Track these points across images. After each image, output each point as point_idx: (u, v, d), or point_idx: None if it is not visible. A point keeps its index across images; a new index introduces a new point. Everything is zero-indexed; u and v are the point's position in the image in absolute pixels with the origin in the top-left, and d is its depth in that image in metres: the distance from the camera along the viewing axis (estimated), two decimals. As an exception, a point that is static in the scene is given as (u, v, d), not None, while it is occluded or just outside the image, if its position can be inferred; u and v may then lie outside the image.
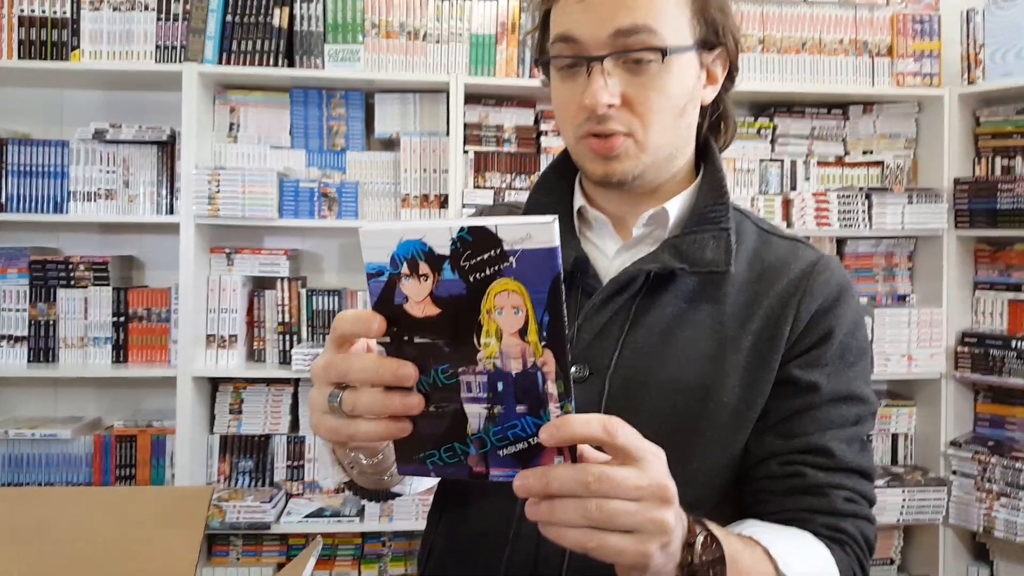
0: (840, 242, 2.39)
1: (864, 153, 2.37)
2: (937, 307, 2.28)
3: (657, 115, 0.76)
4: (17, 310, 2.14)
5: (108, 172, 2.15)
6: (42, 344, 2.14)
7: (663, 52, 0.74)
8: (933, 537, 2.29)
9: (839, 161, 2.37)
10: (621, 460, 0.54)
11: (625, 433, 0.54)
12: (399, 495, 0.87)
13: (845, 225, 2.24)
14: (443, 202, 2.18)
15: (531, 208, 0.87)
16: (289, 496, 2.23)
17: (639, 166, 0.78)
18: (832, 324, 0.78)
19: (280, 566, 2.23)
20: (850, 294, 0.81)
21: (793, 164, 2.34)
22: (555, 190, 0.88)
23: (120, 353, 2.16)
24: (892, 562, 2.39)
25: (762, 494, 0.77)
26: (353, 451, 0.70)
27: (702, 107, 0.83)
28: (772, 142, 2.34)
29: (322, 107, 2.23)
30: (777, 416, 0.77)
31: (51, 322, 2.15)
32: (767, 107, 2.37)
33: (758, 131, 2.32)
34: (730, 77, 0.84)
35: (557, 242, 0.50)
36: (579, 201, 0.86)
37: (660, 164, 0.80)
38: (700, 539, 0.61)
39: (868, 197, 2.25)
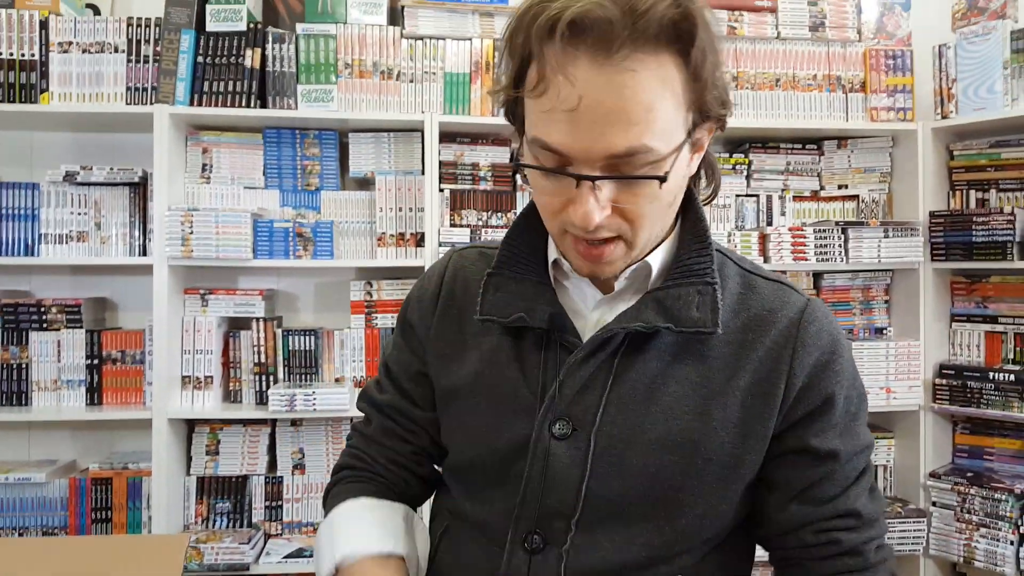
0: (817, 276, 2.40)
1: (839, 187, 2.38)
2: (915, 339, 2.28)
3: (650, 219, 0.73)
4: (-11, 354, 2.12)
5: (79, 214, 2.13)
6: (15, 388, 2.13)
7: (661, 179, 0.69)
8: (914, 568, 2.30)
9: (815, 196, 2.38)
10: None
11: None
12: None
13: (822, 259, 2.24)
14: (419, 240, 2.17)
15: (504, 260, 0.83)
16: (268, 536, 2.21)
17: (627, 261, 0.77)
18: (833, 387, 0.77)
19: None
20: (841, 344, 0.79)
21: (769, 199, 2.34)
22: (527, 243, 0.84)
23: (94, 396, 2.14)
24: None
25: (797, 561, 0.79)
26: None
27: None
28: (748, 177, 2.34)
29: (296, 147, 2.22)
30: (800, 485, 0.78)
31: (23, 365, 2.13)
32: (742, 143, 2.38)
33: (733, 167, 2.32)
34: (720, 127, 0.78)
35: None
36: (553, 254, 0.82)
37: (646, 250, 0.78)
38: None
39: (844, 231, 2.25)
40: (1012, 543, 2.13)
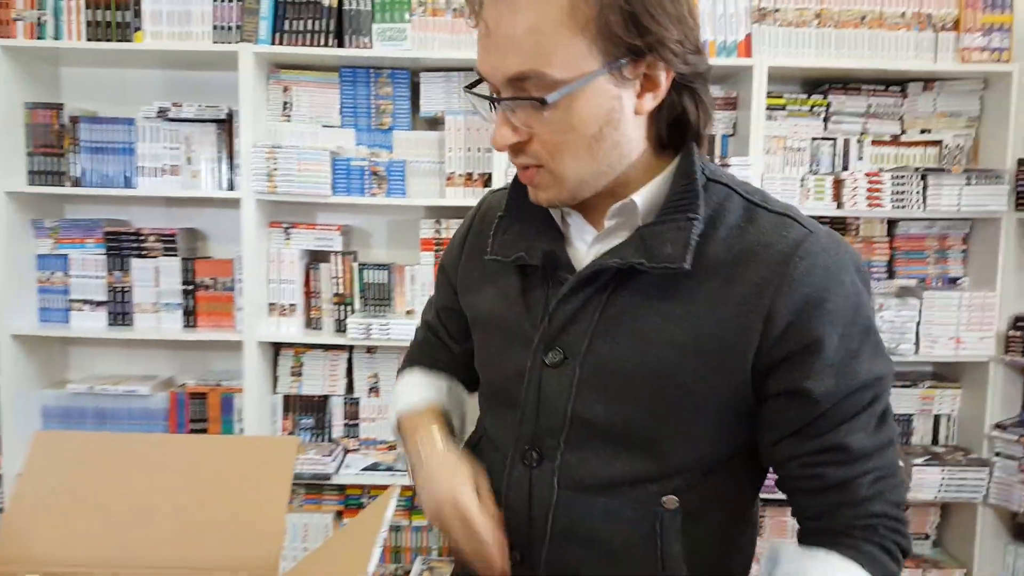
0: (892, 223, 2.33)
1: (922, 132, 2.27)
2: (990, 290, 2.22)
3: (564, 148, 0.76)
4: (96, 277, 2.31)
5: (171, 149, 2.25)
6: (119, 309, 2.31)
7: (541, 101, 0.72)
8: (971, 515, 2.31)
9: (895, 140, 2.29)
10: None
11: None
12: None
13: (898, 206, 2.18)
14: (486, 180, 2.22)
15: (512, 203, 0.89)
16: (346, 451, 2.39)
17: (561, 193, 0.80)
18: (821, 329, 0.74)
19: (339, 513, 2.42)
20: (839, 280, 0.75)
21: (846, 143, 2.27)
22: None
23: (190, 318, 2.31)
24: (928, 537, 2.42)
25: (792, 494, 0.82)
26: None
27: (659, 106, 0.78)
28: (825, 120, 2.26)
29: (370, 86, 2.27)
30: (791, 426, 0.78)
31: (126, 288, 2.31)
32: (821, 83, 2.28)
33: (811, 108, 2.25)
34: (689, 74, 0.77)
35: None
36: None
37: (587, 183, 0.79)
38: None
39: (924, 177, 2.18)
40: (1073, 498, 2.12)
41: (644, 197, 0.81)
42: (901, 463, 0.82)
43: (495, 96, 0.76)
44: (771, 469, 0.86)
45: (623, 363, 0.80)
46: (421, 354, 1.09)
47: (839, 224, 2.33)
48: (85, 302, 2.31)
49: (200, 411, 2.36)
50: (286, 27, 2.15)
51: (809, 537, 0.81)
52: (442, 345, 1.07)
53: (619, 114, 0.76)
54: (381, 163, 2.22)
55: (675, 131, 0.82)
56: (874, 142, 2.28)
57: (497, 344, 0.90)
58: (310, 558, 0.84)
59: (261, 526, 0.86)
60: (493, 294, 0.91)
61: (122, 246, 2.31)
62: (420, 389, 1.02)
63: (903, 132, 2.29)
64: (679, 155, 0.82)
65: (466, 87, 0.81)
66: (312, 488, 2.41)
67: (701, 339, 0.77)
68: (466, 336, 1.01)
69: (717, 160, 2.12)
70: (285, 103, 2.28)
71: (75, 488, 0.89)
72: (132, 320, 2.31)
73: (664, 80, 0.76)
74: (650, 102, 0.77)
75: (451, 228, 2.30)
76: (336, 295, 2.32)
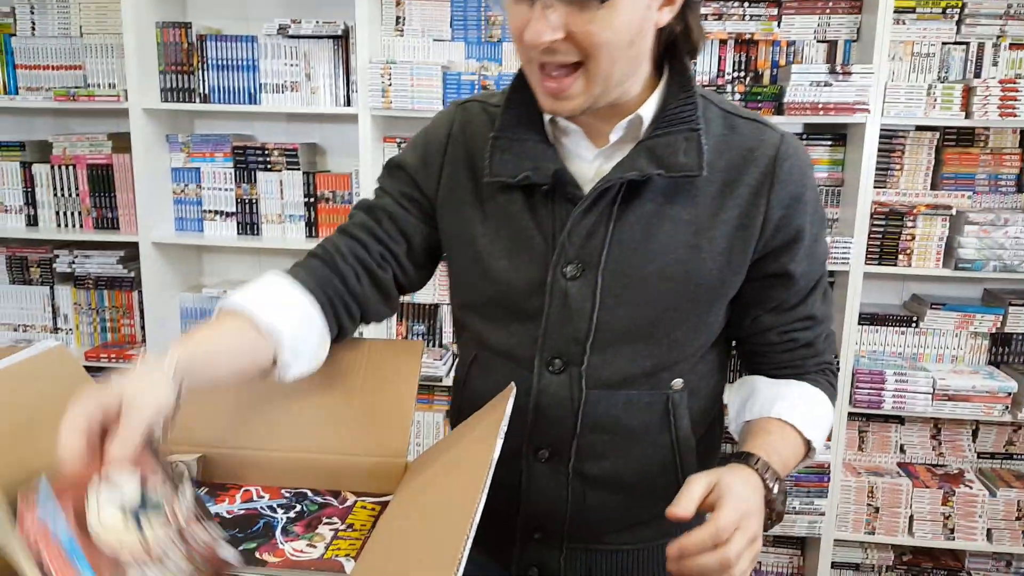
0: (1024, 134, 2.21)
1: (1068, 34, 2.12)
2: None
3: (604, 48, 0.77)
4: (225, 189, 2.46)
5: (292, 65, 2.33)
6: (247, 219, 2.47)
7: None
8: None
9: (1035, 43, 2.14)
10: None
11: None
12: None
13: (1033, 115, 2.06)
14: (598, 92, 2.21)
15: (505, 123, 0.90)
16: (455, 356, 2.52)
17: (587, 101, 0.81)
18: (803, 219, 0.88)
19: (447, 413, 2.57)
20: (808, 176, 0.90)
21: (980, 47, 2.13)
22: (524, 101, 0.89)
23: (311, 229, 2.45)
24: None
25: (764, 354, 0.98)
26: None
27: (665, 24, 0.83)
28: (959, 23, 2.13)
29: (480, -2, 2.28)
30: (772, 302, 0.93)
31: (254, 200, 2.46)
32: (957, -18, 2.14)
33: (943, 10, 2.11)
34: None
35: None
36: (548, 114, 0.89)
37: (608, 92, 0.82)
38: (775, 488, 0.82)
39: (1065, 84, 2.04)
40: None
41: (649, 112, 0.86)
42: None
43: None
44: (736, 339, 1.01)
45: (641, 269, 0.87)
46: (333, 247, 0.95)
47: (966, 134, 2.23)
48: (217, 212, 2.48)
49: (322, 316, 2.52)
50: (398, -61, 2.16)
51: (777, 377, 0.98)
52: (383, 231, 0.96)
53: (648, 24, 0.80)
54: (490, 77, 2.24)
55: (665, 49, 0.87)
56: (1012, 46, 2.14)
57: (503, 260, 0.91)
58: (439, 445, 0.92)
59: (393, 418, 0.94)
60: (493, 211, 0.92)
61: (248, 160, 2.44)
62: (259, 292, 0.88)
63: (1046, 34, 2.14)
64: (670, 70, 0.88)
65: None
66: (424, 389, 2.56)
67: (710, 240, 0.87)
68: (405, 240, 0.96)
69: (839, 67, 2.05)
70: (398, 18, 2.31)
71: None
72: (260, 230, 2.47)
73: None
74: (667, 15, 0.82)
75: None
76: (448, 207, 2.40)
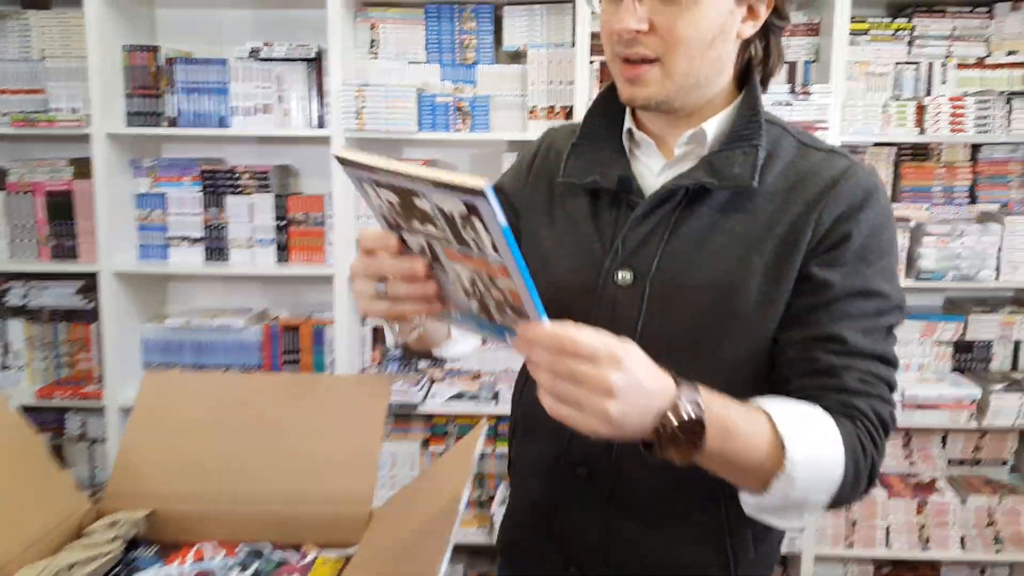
0: (975, 148, 2.33)
1: (1008, 54, 2.25)
2: (1075, 214, 2.22)
3: (684, 44, 0.82)
4: (192, 214, 2.41)
5: (263, 88, 2.32)
6: (215, 244, 2.40)
7: None
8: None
9: (980, 63, 2.27)
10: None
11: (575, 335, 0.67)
12: (442, 358, 1.04)
13: (981, 131, 2.18)
14: (568, 113, 2.26)
15: (586, 131, 0.96)
16: (432, 381, 2.48)
17: (662, 92, 0.85)
18: (851, 228, 0.83)
19: (426, 441, 2.51)
20: (875, 198, 0.85)
21: (930, 67, 2.26)
22: (608, 112, 0.96)
23: (283, 253, 2.39)
24: (1005, 463, 2.46)
25: (781, 378, 0.87)
26: (400, 330, 0.91)
27: (746, 41, 0.88)
28: (909, 44, 2.26)
29: (454, 21, 2.32)
30: (796, 311, 0.85)
31: (222, 225, 2.40)
32: (905, 7, 2.27)
33: (894, 32, 2.24)
34: (778, 15, 0.88)
35: (494, 206, 0.59)
36: (628, 123, 0.95)
37: (686, 90, 0.86)
38: (683, 404, 0.71)
39: (1009, 101, 2.17)
40: None
41: (713, 127, 0.89)
42: (894, 400, 0.85)
43: None
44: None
45: (689, 279, 0.87)
46: None
47: (921, 150, 2.34)
48: (183, 239, 2.41)
49: (293, 343, 2.47)
50: (373, -36, 2.20)
51: None
52: None
53: (729, 30, 0.85)
54: (465, 98, 2.27)
55: (744, 70, 0.91)
56: (959, 65, 2.27)
57: (564, 261, 0.95)
58: (405, 491, 0.89)
59: (357, 461, 0.92)
60: (561, 215, 0.97)
61: (217, 184, 2.40)
62: None
63: (989, 55, 2.28)
64: (744, 93, 0.91)
65: None
66: (400, 418, 2.51)
67: (761, 255, 0.85)
68: None
69: (799, 87, 2.14)
70: (372, 40, 2.34)
71: (182, 426, 0.95)
72: (228, 256, 2.40)
73: (764, 12, 0.86)
74: (749, 29, 0.86)
75: (533, 161, 2.35)
76: (422, 229, 2.39)
